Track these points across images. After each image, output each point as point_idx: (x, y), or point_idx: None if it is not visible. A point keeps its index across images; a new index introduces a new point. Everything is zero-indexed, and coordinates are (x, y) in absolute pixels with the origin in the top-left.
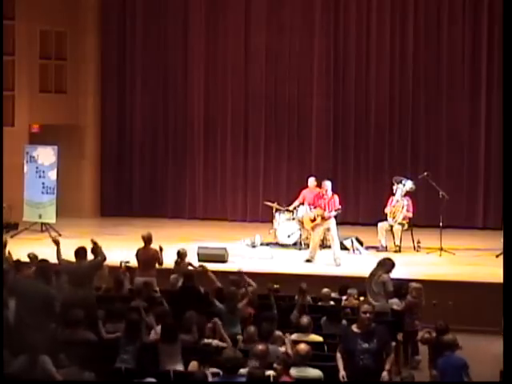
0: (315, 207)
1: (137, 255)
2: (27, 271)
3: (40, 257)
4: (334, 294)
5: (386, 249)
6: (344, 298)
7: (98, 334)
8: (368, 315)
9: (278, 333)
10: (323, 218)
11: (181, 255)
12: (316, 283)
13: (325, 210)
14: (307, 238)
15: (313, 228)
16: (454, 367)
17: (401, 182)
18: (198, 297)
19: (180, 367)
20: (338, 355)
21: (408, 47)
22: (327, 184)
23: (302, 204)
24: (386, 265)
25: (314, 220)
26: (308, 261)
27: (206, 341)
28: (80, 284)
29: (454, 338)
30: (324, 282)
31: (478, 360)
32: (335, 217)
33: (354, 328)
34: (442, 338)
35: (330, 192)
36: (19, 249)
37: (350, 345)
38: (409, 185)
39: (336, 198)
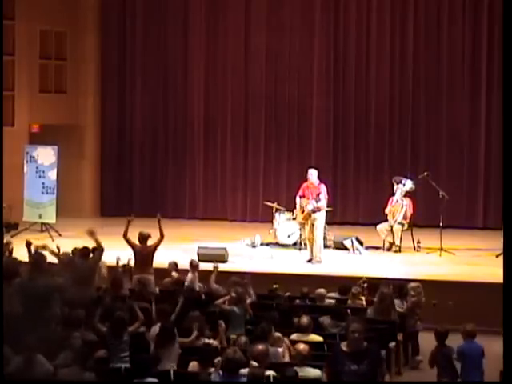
0: (301, 197)
1: (134, 253)
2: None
3: None
4: (334, 294)
5: (390, 247)
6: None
7: (96, 331)
8: (357, 335)
9: (278, 334)
10: (312, 210)
11: (193, 267)
12: (316, 283)
13: (308, 199)
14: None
15: (304, 218)
16: (474, 353)
17: (400, 182)
18: (195, 300)
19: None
20: (324, 375)
21: (408, 47)
22: (310, 172)
23: None
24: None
25: (303, 211)
26: (309, 261)
27: (206, 341)
28: (83, 283)
29: (474, 327)
30: (324, 282)
31: None
32: (327, 212)
33: (344, 347)
34: (465, 327)
35: (314, 181)
36: (19, 249)
37: (337, 366)
38: (408, 185)
39: (322, 187)
